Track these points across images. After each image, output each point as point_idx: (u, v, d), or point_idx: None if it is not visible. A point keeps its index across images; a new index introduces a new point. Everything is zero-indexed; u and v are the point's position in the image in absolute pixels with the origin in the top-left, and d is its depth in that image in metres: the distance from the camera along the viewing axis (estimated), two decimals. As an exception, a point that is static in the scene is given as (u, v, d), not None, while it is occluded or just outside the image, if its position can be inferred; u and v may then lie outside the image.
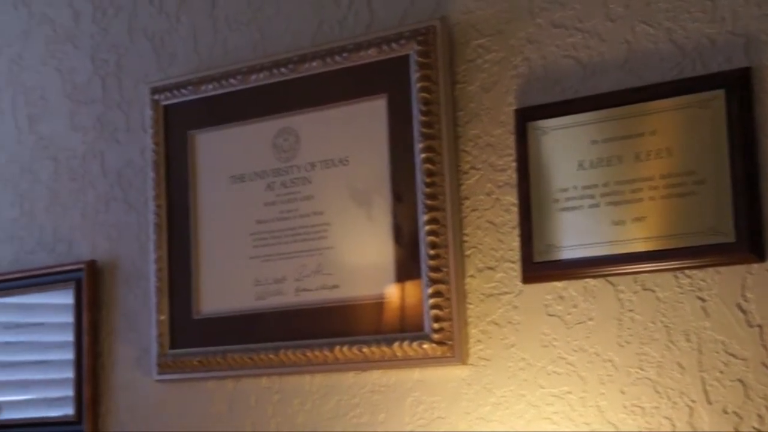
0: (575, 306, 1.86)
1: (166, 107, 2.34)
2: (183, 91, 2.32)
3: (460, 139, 2.00)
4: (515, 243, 1.92)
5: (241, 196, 2.24)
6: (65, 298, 2.45)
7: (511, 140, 1.94)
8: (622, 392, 1.81)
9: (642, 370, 1.79)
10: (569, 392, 1.85)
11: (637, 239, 1.79)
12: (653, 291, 1.79)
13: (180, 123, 2.33)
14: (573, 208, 1.85)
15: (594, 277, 1.84)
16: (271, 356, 2.14)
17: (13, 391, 2.57)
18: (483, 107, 1.98)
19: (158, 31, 2.42)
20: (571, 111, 1.87)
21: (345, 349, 2.06)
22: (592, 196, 1.84)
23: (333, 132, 2.14)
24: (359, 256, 2.08)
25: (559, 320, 1.87)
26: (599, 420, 1.82)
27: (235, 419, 2.20)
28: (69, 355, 2.43)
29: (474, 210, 1.98)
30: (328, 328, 2.10)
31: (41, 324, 2.52)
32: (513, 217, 1.93)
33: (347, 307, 2.08)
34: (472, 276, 1.97)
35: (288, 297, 2.16)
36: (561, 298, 1.87)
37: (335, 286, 2.10)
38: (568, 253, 1.85)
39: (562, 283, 1.87)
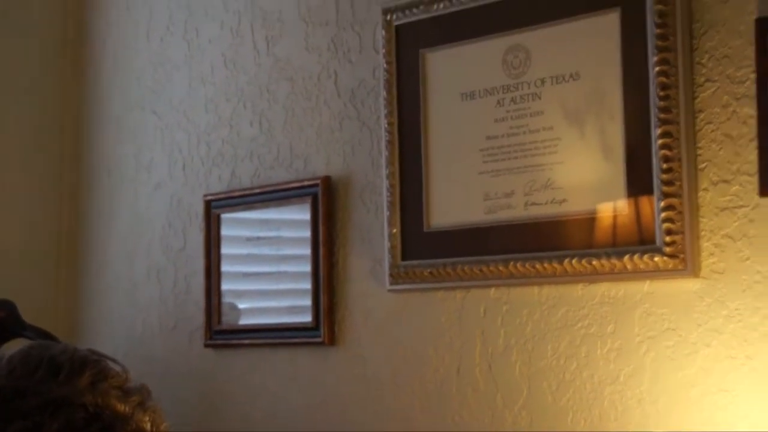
0: (816, 219, 1.83)
1: (397, 27, 2.40)
2: (414, 10, 2.36)
3: (696, 51, 1.98)
4: (752, 156, 1.89)
5: (471, 112, 2.28)
6: (302, 212, 2.57)
7: (750, 51, 1.90)
8: None
9: None
10: (807, 306, 1.83)
11: None
12: None
13: (411, 42, 2.38)
14: (816, 119, 1.81)
15: (836, 189, 1.80)
16: (501, 268, 2.20)
17: (254, 299, 2.72)
18: (720, 18, 1.95)
19: (390, -48, 2.47)
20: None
21: (575, 261, 2.09)
22: (836, 107, 1.79)
23: (564, 47, 2.15)
24: (589, 171, 2.10)
25: (798, 233, 1.84)
26: (839, 334, 1.79)
27: (465, 328, 2.27)
28: (306, 267, 2.55)
29: (708, 123, 1.96)
30: (556, 242, 2.13)
31: (279, 237, 2.66)
32: (751, 129, 1.90)
33: (576, 220, 2.11)
34: (705, 189, 1.96)
35: (517, 211, 2.20)
36: (801, 211, 1.84)
37: (564, 200, 2.13)
38: (809, 166, 1.81)
39: (802, 196, 1.84)
